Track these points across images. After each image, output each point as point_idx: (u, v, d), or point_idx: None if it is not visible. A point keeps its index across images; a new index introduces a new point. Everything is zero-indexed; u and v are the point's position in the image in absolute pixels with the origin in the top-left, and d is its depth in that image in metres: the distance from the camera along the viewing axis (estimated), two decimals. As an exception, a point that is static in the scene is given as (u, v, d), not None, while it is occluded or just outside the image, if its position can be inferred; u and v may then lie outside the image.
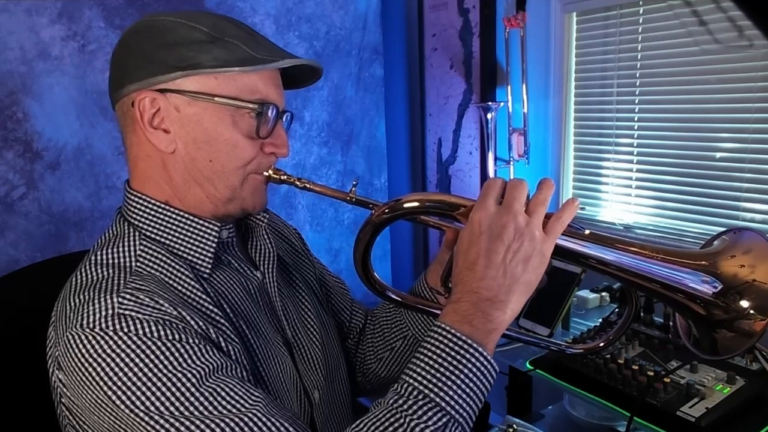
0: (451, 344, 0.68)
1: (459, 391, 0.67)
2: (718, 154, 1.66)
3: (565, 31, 1.98)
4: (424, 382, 0.67)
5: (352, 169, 2.44)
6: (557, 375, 1.35)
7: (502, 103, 2.10)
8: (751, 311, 0.67)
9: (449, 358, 0.68)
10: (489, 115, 2.06)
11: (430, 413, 0.66)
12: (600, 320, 1.50)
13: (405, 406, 0.67)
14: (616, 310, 1.52)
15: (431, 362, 0.68)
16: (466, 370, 0.68)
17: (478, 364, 0.68)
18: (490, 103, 2.10)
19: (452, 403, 0.67)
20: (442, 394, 0.67)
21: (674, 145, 1.76)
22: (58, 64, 1.69)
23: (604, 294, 1.68)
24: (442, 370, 0.68)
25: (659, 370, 1.24)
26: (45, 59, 1.68)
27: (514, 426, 1.39)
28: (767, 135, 1.54)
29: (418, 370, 0.69)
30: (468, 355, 0.68)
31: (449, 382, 0.67)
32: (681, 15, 1.66)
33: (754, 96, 1.55)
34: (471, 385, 0.68)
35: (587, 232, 0.76)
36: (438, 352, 0.69)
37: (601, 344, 0.93)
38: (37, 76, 1.66)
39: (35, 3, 1.64)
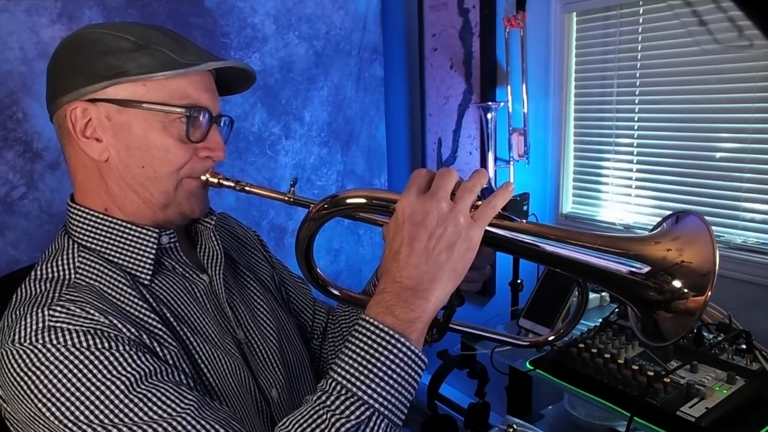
0: (373, 336, 0.68)
1: (382, 383, 0.67)
2: (718, 154, 1.66)
3: (565, 31, 1.98)
4: (347, 376, 0.67)
5: (352, 169, 2.44)
6: (557, 375, 1.35)
7: (502, 103, 2.10)
8: (685, 290, 0.68)
9: (371, 351, 0.67)
10: (489, 115, 2.06)
11: (352, 407, 0.66)
12: (600, 320, 1.50)
13: (328, 402, 0.67)
14: (616, 310, 1.52)
15: (354, 356, 0.68)
16: (388, 362, 0.67)
17: (400, 355, 0.68)
18: (490, 103, 2.10)
19: (375, 395, 0.66)
20: (364, 387, 0.66)
21: (674, 145, 1.76)
22: (58, 64, 1.69)
23: (604, 294, 1.68)
24: (364, 363, 0.67)
25: (659, 370, 1.24)
26: (45, 59, 1.66)
27: (514, 426, 1.39)
28: (767, 135, 1.55)
29: (342, 364, 0.68)
30: (390, 347, 0.67)
31: (371, 375, 0.67)
32: (681, 15, 1.66)
33: (754, 96, 1.55)
34: (395, 376, 0.67)
35: (524, 222, 0.76)
36: (360, 345, 0.68)
37: (550, 338, 0.93)
38: (37, 76, 1.66)
39: (35, 3, 1.64)
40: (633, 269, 0.71)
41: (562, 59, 2.00)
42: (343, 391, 0.67)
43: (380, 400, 0.66)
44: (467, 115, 2.35)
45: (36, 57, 1.66)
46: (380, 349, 0.67)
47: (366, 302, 0.95)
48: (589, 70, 1.97)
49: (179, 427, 0.69)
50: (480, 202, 0.73)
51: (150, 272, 0.84)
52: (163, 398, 0.70)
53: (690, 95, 1.70)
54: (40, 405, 0.69)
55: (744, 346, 1.29)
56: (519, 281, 2.06)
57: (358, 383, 0.67)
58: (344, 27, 2.30)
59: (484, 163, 2.23)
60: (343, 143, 2.39)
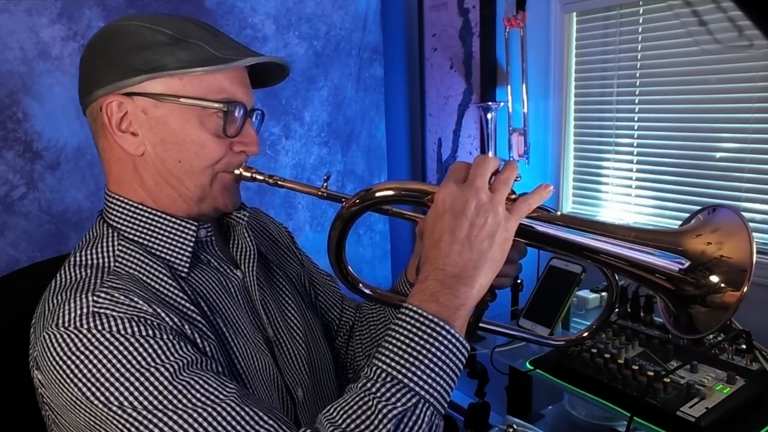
0: (417, 323, 0.68)
1: (428, 371, 0.67)
2: (718, 154, 1.66)
3: (565, 31, 1.98)
4: (392, 363, 0.67)
5: (352, 169, 2.44)
6: (557, 375, 1.35)
7: (502, 103, 2.10)
8: (722, 285, 0.68)
9: (416, 338, 0.67)
10: (489, 115, 2.06)
11: (398, 394, 0.66)
12: (600, 320, 1.50)
13: (374, 389, 0.66)
14: (616, 310, 1.52)
15: (399, 343, 0.68)
16: (434, 349, 0.67)
17: (446, 342, 0.68)
18: (490, 103, 2.10)
19: (421, 383, 0.66)
20: (410, 374, 0.66)
21: (674, 145, 1.76)
22: (58, 64, 1.69)
23: (604, 294, 1.68)
24: (409, 350, 0.67)
25: (659, 370, 1.24)
26: (45, 59, 1.68)
27: (514, 426, 1.39)
28: (767, 135, 1.54)
29: (386, 352, 0.68)
30: (435, 334, 0.67)
31: (417, 362, 0.67)
32: (681, 15, 1.66)
33: (754, 96, 1.55)
34: (440, 363, 0.67)
35: (558, 213, 0.75)
36: (405, 332, 0.68)
37: (585, 334, 0.91)
38: (37, 76, 1.66)
39: (35, 3, 1.64)
40: (672, 264, 0.71)
41: (562, 59, 2.00)
42: (389, 378, 0.67)
43: (426, 387, 0.66)
44: (467, 115, 2.35)
45: (36, 57, 1.66)
46: (425, 336, 0.67)
47: (397, 300, 0.94)
48: (589, 70, 1.97)
49: (224, 413, 0.69)
50: (514, 195, 0.74)
51: (187, 265, 0.84)
52: (206, 386, 0.70)
53: (690, 95, 1.69)
54: (84, 390, 0.69)
55: (744, 346, 1.29)
56: (519, 281, 2.06)
57: (404, 370, 0.66)
58: (344, 27, 2.30)
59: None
60: (343, 143, 2.39)
